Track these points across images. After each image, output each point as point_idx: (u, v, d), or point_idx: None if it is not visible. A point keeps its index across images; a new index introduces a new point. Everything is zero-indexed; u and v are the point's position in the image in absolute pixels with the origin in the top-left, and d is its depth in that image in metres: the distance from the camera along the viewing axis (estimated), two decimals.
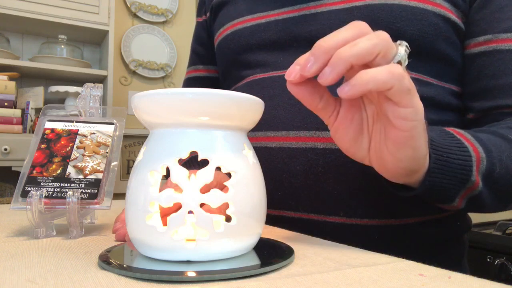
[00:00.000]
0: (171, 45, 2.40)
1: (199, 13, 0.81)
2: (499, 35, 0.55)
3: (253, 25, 0.63)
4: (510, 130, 0.50)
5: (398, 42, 0.37)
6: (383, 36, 0.34)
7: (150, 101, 0.31)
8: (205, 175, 0.29)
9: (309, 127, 0.55)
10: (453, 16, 0.56)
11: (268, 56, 0.62)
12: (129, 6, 2.31)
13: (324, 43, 0.34)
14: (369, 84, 0.33)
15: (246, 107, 0.32)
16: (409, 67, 0.56)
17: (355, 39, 0.34)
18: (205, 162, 0.30)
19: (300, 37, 0.59)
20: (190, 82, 0.82)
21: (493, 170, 0.45)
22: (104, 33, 2.03)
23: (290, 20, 0.60)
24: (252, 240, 0.32)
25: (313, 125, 0.55)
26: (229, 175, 0.31)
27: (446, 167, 0.42)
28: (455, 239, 0.60)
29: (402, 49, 0.36)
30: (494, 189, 0.46)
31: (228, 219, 0.30)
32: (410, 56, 0.55)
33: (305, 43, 0.59)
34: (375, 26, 0.54)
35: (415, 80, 0.54)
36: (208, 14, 0.76)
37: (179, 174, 0.29)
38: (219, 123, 0.31)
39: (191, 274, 0.26)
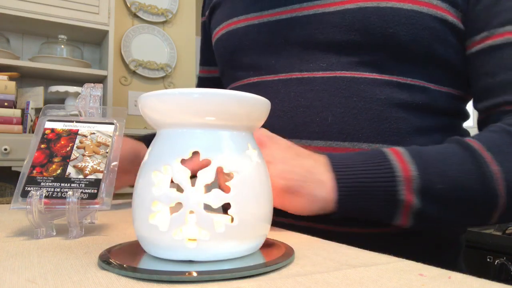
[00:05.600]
0: (171, 45, 2.40)
1: (202, 12, 0.81)
2: (494, 30, 0.52)
3: (246, 26, 0.63)
4: (488, 135, 0.49)
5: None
6: None
7: (156, 101, 0.31)
8: (206, 175, 0.29)
9: (301, 136, 0.54)
10: (451, 17, 0.53)
11: (260, 59, 0.61)
12: (129, 6, 2.31)
13: None
14: None
15: (253, 107, 0.32)
16: (405, 73, 0.55)
17: None
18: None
19: (292, 41, 0.58)
20: (198, 83, 0.85)
21: (431, 187, 0.44)
22: (104, 33, 2.03)
23: (282, 22, 0.59)
24: (257, 241, 0.32)
25: (305, 133, 0.54)
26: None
27: (358, 193, 0.44)
28: (449, 243, 0.59)
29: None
30: (445, 205, 0.45)
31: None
32: (404, 61, 0.54)
33: (297, 47, 0.58)
34: (367, 31, 0.53)
35: (409, 87, 0.53)
36: (207, 14, 0.76)
37: (181, 174, 0.29)
38: (225, 123, 0.31)
39: (191, 274, 0.26)
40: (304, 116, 0.55)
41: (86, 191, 0.41)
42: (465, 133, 0.60)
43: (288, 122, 0.55)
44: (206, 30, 0.79)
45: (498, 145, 0.46)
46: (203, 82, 0.83)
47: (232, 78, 0.66)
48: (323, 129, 0.53)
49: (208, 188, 0.30)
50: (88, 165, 0.43)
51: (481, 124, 0.58)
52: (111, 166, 0.44)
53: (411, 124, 0.53)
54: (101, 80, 2.05)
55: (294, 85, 0.57)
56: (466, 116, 0.61)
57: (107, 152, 0.44)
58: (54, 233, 0.40)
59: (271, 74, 0.59)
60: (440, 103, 0.56)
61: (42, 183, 0.40)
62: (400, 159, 0.45)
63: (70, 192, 0.39)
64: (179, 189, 0.29)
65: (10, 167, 1.69)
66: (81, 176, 0.42)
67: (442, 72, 0.56)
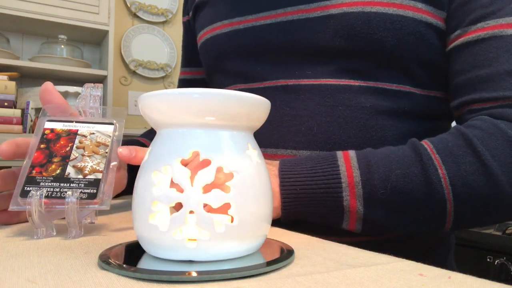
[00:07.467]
0: (171, 45, 2.40)
1: (183, 12, 0.79)
2: (467, 28, 0.51)
3: (230, 31, 0.61)
4: (442, 137, 0.47)
5: None
6: None
7: (156, 101, 0.31)
8: (206, 175, 0.29)
9: (286, 146, 0.54)
10: (436, 19, 0.52)
11: (246, 65, 0.60)
12: (129, 6, 2.30)
13: None
14: None
15: (253, 107, 0.32)
16: (390, 79, 0.54)
17: None
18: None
19: (277, 47, 0.57)
20: (180, 86, 0.82)
21: (374, 192, 0.43)
22: (104, 33, 2.03)
23: (267, 28, 0.58)
24: (257, 241, 0.32)
25: (290, 143, 0.54)
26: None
27: (302, 199, 0.44)
28: (439, 243, 0.59)
29: None
30: (390, 210, 0.44)
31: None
32: (390, 67, 0.53)
33: (282, 53, 0.57)
34: (351, 37, 0.52)
35: (395, 93, 0.52)
36: (190, 14, 0.75)
37: (181, 174, 0.29)
38: (225, 123, 0.31)
39: (191, 274, 0.26)
40: (289, 125, 0.54)
41: (86, 191, 0.41)
42: None
43: (273, 131, 0.55)
44: (189, 30, 0.77)
45: (449, 147, 0.45)
46: (185, 84, 0.80)
47: (221, 84, 0.66)
48: (309, 138, 0.53)
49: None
50: (87, 165, 0.43)
51: (456, 123, 0.57)
52: (111, 166, 0.44)
53: (397, 131, 0.53)
54: (101, 80, 2.05)
55: (280, 93, 0.56)
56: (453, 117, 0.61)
57: (106, 152, 0.44)
58: (54, 233, 0.40)
59: (258, 82, 0.59)
60: (427, 108, 0.55)
61: (41, 183, 0.40)
62: (348, 164, 0.45)
63: (69, 192, 0.39)
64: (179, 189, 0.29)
65: (10, 167, 1.69)
66: (80, 176, 0.42)
67: (428, 76, 0.55)
